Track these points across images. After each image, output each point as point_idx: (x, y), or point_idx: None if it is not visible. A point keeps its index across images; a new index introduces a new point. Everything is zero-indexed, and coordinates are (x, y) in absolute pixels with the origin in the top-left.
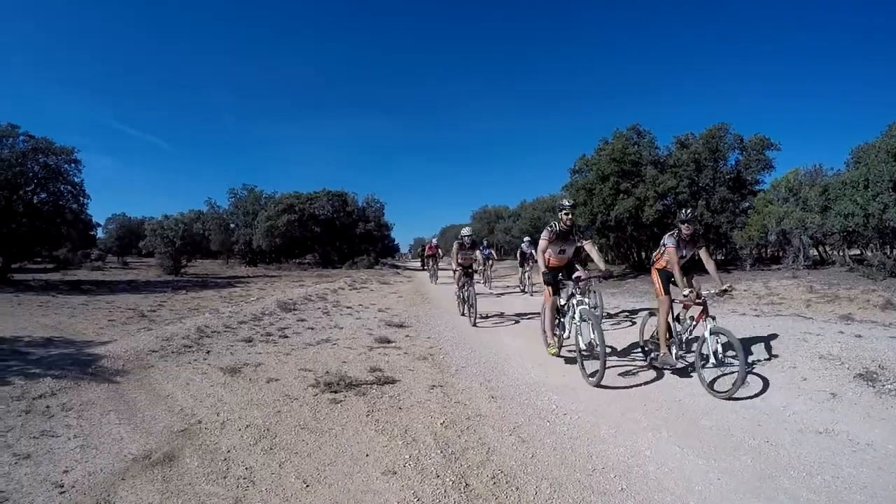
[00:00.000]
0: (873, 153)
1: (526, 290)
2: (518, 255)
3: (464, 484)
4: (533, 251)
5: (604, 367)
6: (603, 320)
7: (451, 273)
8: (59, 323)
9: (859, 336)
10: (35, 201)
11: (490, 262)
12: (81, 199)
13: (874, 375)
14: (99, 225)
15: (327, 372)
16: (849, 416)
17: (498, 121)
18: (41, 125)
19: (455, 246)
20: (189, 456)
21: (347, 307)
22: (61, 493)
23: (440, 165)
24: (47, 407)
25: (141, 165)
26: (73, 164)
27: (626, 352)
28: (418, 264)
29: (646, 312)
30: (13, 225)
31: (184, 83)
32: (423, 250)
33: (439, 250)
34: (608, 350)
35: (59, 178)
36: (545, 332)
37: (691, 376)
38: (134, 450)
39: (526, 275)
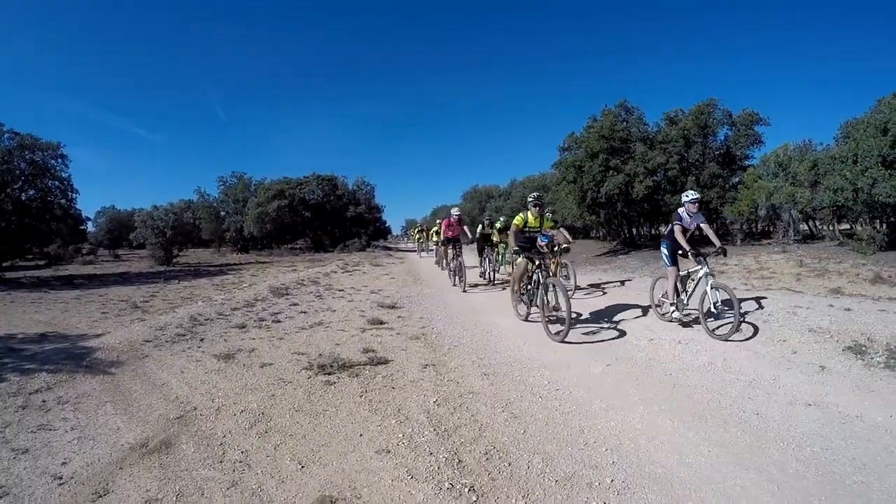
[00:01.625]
0: (862, 128)
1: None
2: (673, 229)
3: (457, 460)
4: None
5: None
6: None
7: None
8: (53, 318)
9: (848, 310)
10: (23, 198)
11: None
12: (70, 193)
13: (863, 348)
14: (89, 219)
15: (320, 354)
16: (838, 388)
17: (488, 98)
18: (25, 121)
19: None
20: (185, 442)
21: (340, 290)
22: (60, 484)
23: (431, 146)
24: (43, 401)
25: (129, 157)
26: (59, 160)
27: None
28: (412, 245)
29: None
30: (2, 223)
31: (172, 72)
32: (421, 229)
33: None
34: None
35: (47, 174)
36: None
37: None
38: (131, 439)
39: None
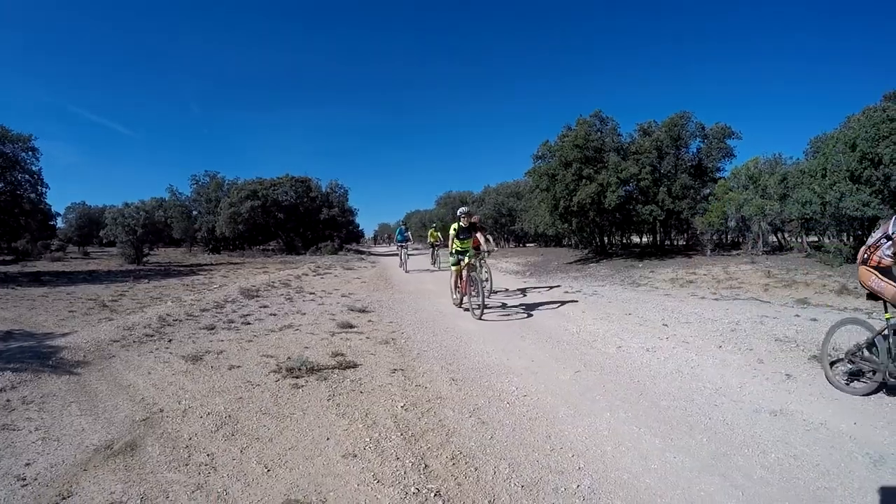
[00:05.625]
0: (832, 143)
1: None
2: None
3: (423, 465)
4: None
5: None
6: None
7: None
8: (19, 315)
9: (815, 320)
10: None
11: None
12: (40, 188)
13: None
14: (58, 214)
15: (289, 357)
16: (802, 396)
17: (462, 107)
18: None
19: None
20: (151, 444)
21: (311, 293)
22: (23, 485)
23: (404, 152)
24: (7, 401)
25: (100, 152)
26: (30, 153)
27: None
28: (385, 249)
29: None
30: None
31: (147, 66)
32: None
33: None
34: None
35: (17, 166)
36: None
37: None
38: (96, 440)
39: None
